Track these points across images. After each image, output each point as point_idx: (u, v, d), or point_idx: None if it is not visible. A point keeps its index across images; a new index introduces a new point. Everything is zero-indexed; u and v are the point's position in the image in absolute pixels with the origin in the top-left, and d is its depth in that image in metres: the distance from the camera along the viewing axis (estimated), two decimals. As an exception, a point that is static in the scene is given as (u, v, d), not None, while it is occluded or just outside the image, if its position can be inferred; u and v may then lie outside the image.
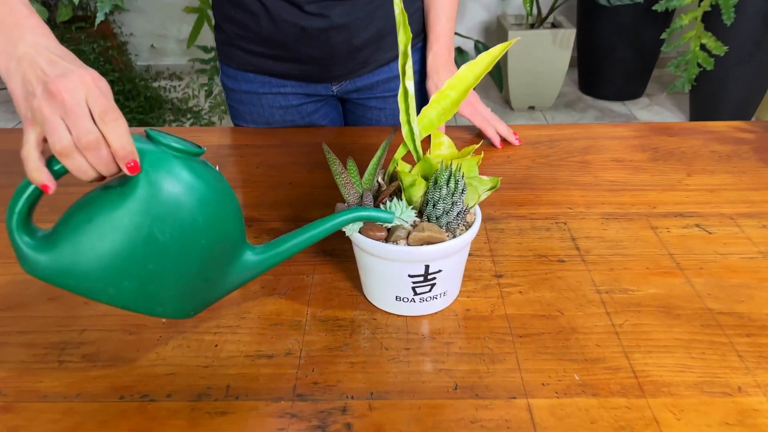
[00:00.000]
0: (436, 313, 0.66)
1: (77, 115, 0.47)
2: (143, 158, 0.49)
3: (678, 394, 0.56)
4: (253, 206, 0.86)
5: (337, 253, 0.76)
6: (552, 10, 2.89)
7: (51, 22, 2.75)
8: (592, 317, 0.65)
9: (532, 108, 3.08)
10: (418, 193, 0.63)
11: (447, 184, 0.60)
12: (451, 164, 0.61)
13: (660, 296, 0.68)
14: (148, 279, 0.51)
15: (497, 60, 0.64)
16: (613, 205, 0.84)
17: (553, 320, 0.65)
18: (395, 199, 0.62)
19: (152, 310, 0.54)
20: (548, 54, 2.89)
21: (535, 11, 2.99)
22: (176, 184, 0.50)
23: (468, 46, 3.09)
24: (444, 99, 0.65)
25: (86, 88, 0.48)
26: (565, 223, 0.80)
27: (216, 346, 0.62)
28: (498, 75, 2.68)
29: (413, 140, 0.64)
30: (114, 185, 0.51)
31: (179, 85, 3.09)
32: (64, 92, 0.47)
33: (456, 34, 2.78)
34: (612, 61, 3.01)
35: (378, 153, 0.66)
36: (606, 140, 1.01)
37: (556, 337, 0.63)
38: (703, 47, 2.35)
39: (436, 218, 0.61)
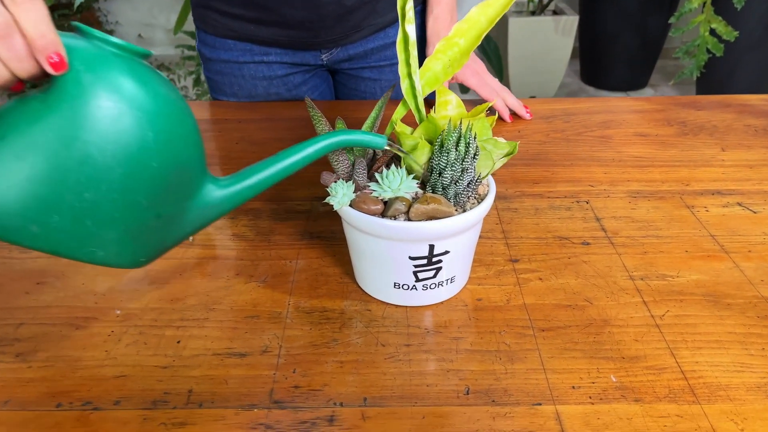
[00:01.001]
0: (442, 302, 0.56)
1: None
2: (73, 55, 0.38)
3: (738, 399, 0.46)
4: (230, 184, 0.75)
5: (326, 234, 0.65)
6: (553, -4, 2.79)
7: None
8: (626, 307, 0.55)
9: (532, 98, 2.98)
10: (420, 158, 0.52)
11: (456, 148, 0.50)
12: (460, 124, 0.50)
13: (705, 283, 0.57)
14: (84, 212, 0.40)
15: (512, 1, 0.54)
16: (640, 183, 0.73)
17: (580, 311, 0.55)
18: (393, 167, 0.51)
19: (91, 254, 0.42)
20: (550, 42, 2.79)
21: (536, -2, 2.89)
22: (119, 88, 0.38)
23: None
24: (451, 48, 0.54)
25: None
26: (588, 202, 0.70)
27: (178, 342, 0.52)
28: (497, 64, 2.58)
29: (415, 97, 0.53)
30: (37, 91, 0.39)
31: (167, 75, 2.98)
32: None
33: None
34: (615, 50, 2.91)
35: (373, 112, 0.56)
36: (626, 114, 0.91)
37: (585, 331, 0.52)
38: (712, 32, 2.25)
39: (443, 189, 0.51)
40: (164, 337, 0.52)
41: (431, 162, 0.51)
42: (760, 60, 2.50)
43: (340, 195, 0.50)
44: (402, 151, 0.51)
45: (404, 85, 0.53)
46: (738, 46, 2.35)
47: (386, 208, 0.51)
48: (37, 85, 0.39)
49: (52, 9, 2.72)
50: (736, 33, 2.13)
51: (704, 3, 2.18)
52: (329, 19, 0.87)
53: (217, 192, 0.47)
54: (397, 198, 0.50)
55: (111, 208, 0.40)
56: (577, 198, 0.71)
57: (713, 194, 0.71)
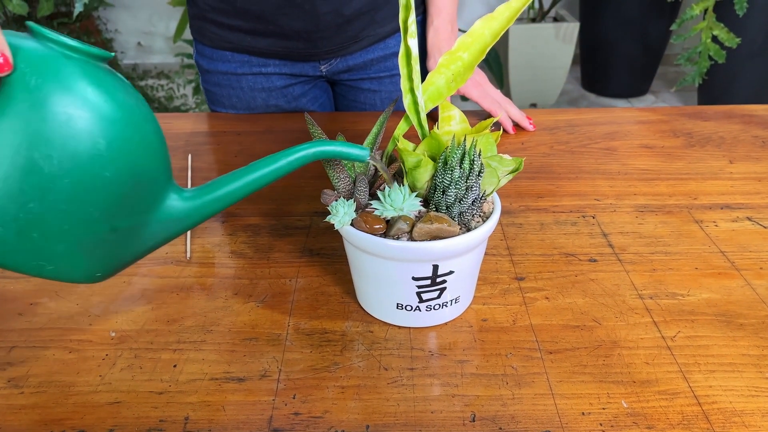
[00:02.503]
0: (446, 323, 0.54)
1: None
2: (19, 56, 0.36)
3: (754, 425, 0.44)
4: (229, 199, 0.74)
5: (326, 251, 0.64)
6: (554, 3, 2.78)
7: (32, 17, 2.62)
8: (636, 328, 0.53)
9: (533, 105, 2.97)
10: (423, 176, 0.51)
11: (460, 165, 0.48)
12: (464, 140, 0.49)
13: (716, 302, 0.56)
14: (30, 225, 0.37)
15: (517, 15, 0.53)
16: (647, 196, 0.72)
17: (589, 332, 0.53)
18: (396, 185, 0.50)
19: (40, 268, 0.40)
20: (550, 49, 2.78)
21: (536, 5, 2.88)
22: (68, 91, 0.36)
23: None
24: (454, 62, 0.53)
25: None
26: (594, 217, 0.68)
27: (175, 366, 0.50)
28: (498, 71, 2.57)
29: (417, 112, 0.52)
30: None
31: (167, 84, 2.97)
32: None
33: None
34: (616, 56, 2.90)
35: (375, 128, 0.54)
36: (632, 125, 0.90)
37: (594, 353, 0.51)
38: (714, 39, 2.24)
39: (447, 207, 0.50)
40: (160, 360, 0.51)
41: (434, 180, 0.50)
42: (762, 66, 2.49)
43: (341, 214, 0.49)
44: (384, 169, 0.50)
45: (406, 100, 0.52)
46: (740, 52, 2.34)
47: (389, 228, 0.49)
48: None
49: (52, 17, 2.71)
50: (738, 40, 2.12)
51: (706, 10, 2.18)
52: (327, 30, 0.86)
53: (181, 204, 0.44)
54: (400, 217, 0.49)
55: (59, 220, 0.38)
56: (583, 213, 0.69)
57: (722, 208, 0.69)
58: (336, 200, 0.50)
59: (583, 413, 0.45)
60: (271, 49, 0.89)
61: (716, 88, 2.61)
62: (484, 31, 0.52)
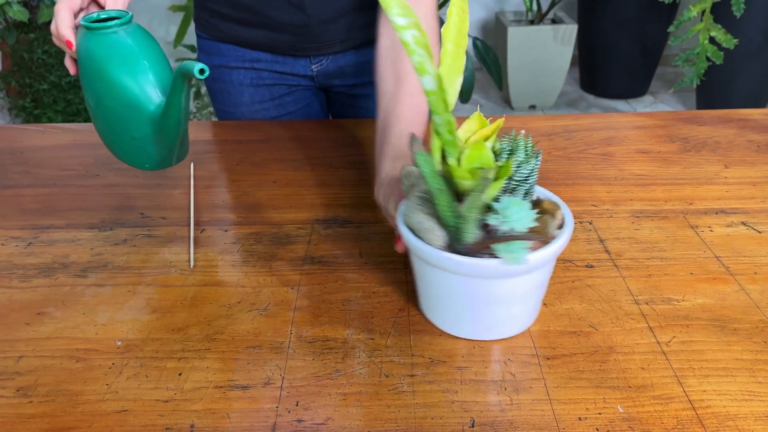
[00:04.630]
0: (445, 331, 0.55)
1: (54, 12, 0.62)
2: (77, 39, 0.60)
3: (747, 429, 0.45)
4: (231, 208, 0.75)
5: (327, 259, 0.65)
6: (552, 5, 2.79)
7: (32, 24, 2.64)
8: (632, 333, 0.54)
9: (532, 107, 2.98)
10: (495, 190, 0.50)
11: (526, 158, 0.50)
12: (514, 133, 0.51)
13: (711, 307, 0.57)
14: (103, 134, 0.63)
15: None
16: (643, 202, 0.73)
17: (585, 337, 0.54)
18: (509, 198, 0.48)
19: (125, 159, 0.64)
20: (549, 51, 2.79)
21: (534, 7, 2.89)
22: (83, 56, 0.59)
23: (468, 43, 2.99)
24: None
25: None
26: (591, 223, 0.69)
27: (180, 374, 0.51)
28: (497, 73, 2.58)
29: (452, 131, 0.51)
30: None
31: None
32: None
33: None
34: (615, 58, 2.91)
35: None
36: (628, 130, 0.91)
37: (591, 359, 0.52)
38: (712, 40, 2.25)
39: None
40: (165, 369, 0.52)
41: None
42: (759, 67, 2.50)
43: (516, 218, 0.47)
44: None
45: (440, 120, 0.51)
46: (737, 54, 2.35)
47: (484, 242, 0.48)
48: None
49: (50, 24, 2.73)
50: (735, 41, 2.13)
51: (703, 11, 2.19)
52: (315, 26, 0.87)
53: (156, 107, 0.58)
54: (518, 234, 0.47)
55: (109, 132, 0.62)
56: (580, 218, 0.70)
57: (717, 213, 0.70)
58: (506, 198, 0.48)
59: (580, 418, 0.47)
60: (259, 42, 0.91)
61: (714, 89, 2.62)
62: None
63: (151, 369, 0.52)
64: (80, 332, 0.56)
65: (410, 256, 0.55)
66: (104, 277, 0.63)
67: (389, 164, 0.65)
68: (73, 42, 0.60)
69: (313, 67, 0.95)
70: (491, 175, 0.46)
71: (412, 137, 0.49)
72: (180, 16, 3.00)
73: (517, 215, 0.47)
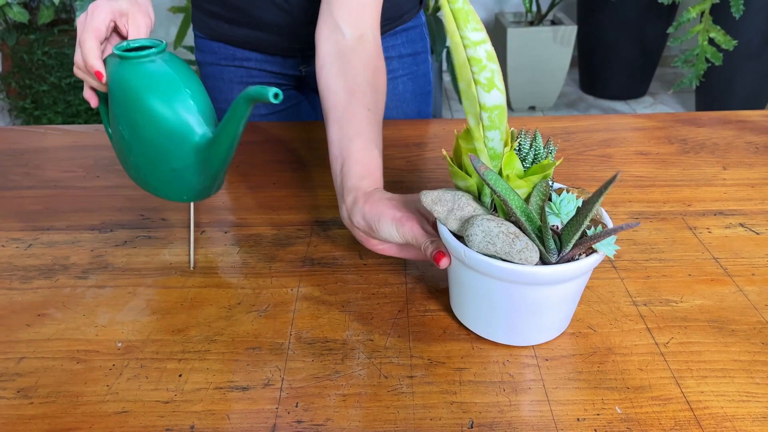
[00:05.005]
0: (444, 332, 0.56)
1: (77, 42, 0.62)
2: (106, 69, 0.60)
3: (744, 430, 0.45)
4: (231, 209, 0.75)
5: (326, 260, 0.65)
6: (552, 6, 2.80)
7: (32, 25, 2.64)
8: (630, 334, 0.54)
9: (532, 108, 2.98)
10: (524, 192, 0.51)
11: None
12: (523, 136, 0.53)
13: (709, 308, 0.57)
14: (135, 167, 0.61)
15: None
16: (642, 203, 0.73)
17: (584, 339, 0.54)
18: (563, 193, 0.51)
19: (155, 192, 0.63)
20: (549, 52, 2.79)
21: (534, 8, 2.90)
22: (119, 86, 0.58)
23: (465, 45, 3.00)
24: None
25: (85, 20, 0.62)
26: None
27: (180, 376, 0.51)
28: (497, 74, 2.58)
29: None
30: None
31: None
32: (78, 24, 0.63)
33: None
34: (614, 59, 2.92)
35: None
36: (627, 132, 0.91)
37: (589, 360, 0.52)
38: (711, 41, 2.26)
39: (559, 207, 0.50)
40: (166, 370, 0.52)
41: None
42: (758, 69, 2.50)
43: (565, 211, 0.49)
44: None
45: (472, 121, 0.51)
46: (737, 55, 2.36)
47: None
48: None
49: (52, 24, 2.73)
50: (734, 42, 2.14)
51: (703, 12, 2.19)
52: (298, 25, 0.88)
53: (203, 140, 0.57)
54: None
55: (143, 164, 0.60)
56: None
57: (715, 215, 0.71)
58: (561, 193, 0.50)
59: (578, 419, 0.47)
60: (247, 40, 0.92)
61: (713, 89, 2.62)
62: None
63: (151, 370, 0.52)
64: (81, 333, 0.56)
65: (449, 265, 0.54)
66: (104, 279, 0.63)
67: (357, 182, 0.61)
68: (104, 73, 0.59)
69: (302, 68, 0.96)
70: (546, 180, 0.50)
71: (473, 158, 0.47)
72: (180, 17, 3.00)
73: (566, 209, 0.49)
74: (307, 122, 0.98)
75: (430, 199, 0.52)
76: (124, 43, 0.60)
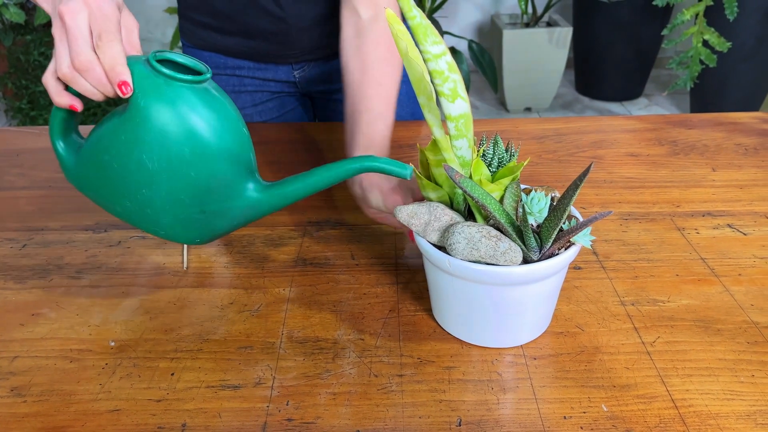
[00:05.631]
0: (434, 332, 0.56)
1: (74, 36, 0.48)
2: (135, 81, 0.49)
3: (728, 428, 0.46)
4: (225, 210, 0.76)
5: (319, 261, 0.66)
6: (547, 8, 2.81)
7: (29, 25, 2.64)
8: (617, 334, 0.55)
9: (528, 109, 2.99)
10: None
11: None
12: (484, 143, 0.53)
13: (695, 308, 0.58)
14: (144, 203, 0.52)
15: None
16: (632, 204, 0.74)
17: (572, 338, 0.55)
18: (535, 192, 0.52)
19: (155, 231, 0.55)
20: (544, 53, 2.80)
21: (530, 10, 2.91)
22: (164, 111, 0.49)
23: (462, 46, 3.00)
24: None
25: (88, 9, 0.49)
26: (579, 225, 0.70)
27: (172, 374, 0.52)
28: (492, 76, 2.59)
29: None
30: (123, 107, 0.52)
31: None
32: (66, 15, 0.48)
33: (449, 34, 2.70)
34: (609, 60, 2.93)
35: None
36: (618, 133, 0.92)
37: (576, 359, 0.53)
38: (705, 43, 2.27)
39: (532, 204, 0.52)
40: (158, 369, 0.53)
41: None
42: (753, 70, 2.51)
43: (537, 209, 0.50)
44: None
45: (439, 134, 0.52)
46: (731, 57, 2.37)
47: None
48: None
49: (48, 25, 2.73)
50: (728, 44, 2.15)
51: (697, 14, 2.20)
52: (292, 33, 0.88)
53: (258, 195, 0.55)
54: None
55: (161, 202, 0.52)
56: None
57: (704, 216, 0.71)
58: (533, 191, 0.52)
59: (564, 417, 0.47)
60: (239, 49, 0.91)
61: (708, 91, 2.64)
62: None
63: (143, 369, 0.53)
64: (74, 333, 0.57)
65: (427, 269, 0.55)
66: (98, 279, 0.64)
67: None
68: (131, 84, 0.49)
69: (296, 73, 0.95)
70: (516, 182, 0.52)
71: (448, 168, 0.48)
72: (176, 18, 3.00)
73: (537, 206, 0.51)
74: (302, 123, 0.99)
75: (405, 214, 0.52)
76: (151, 55, 0.50)
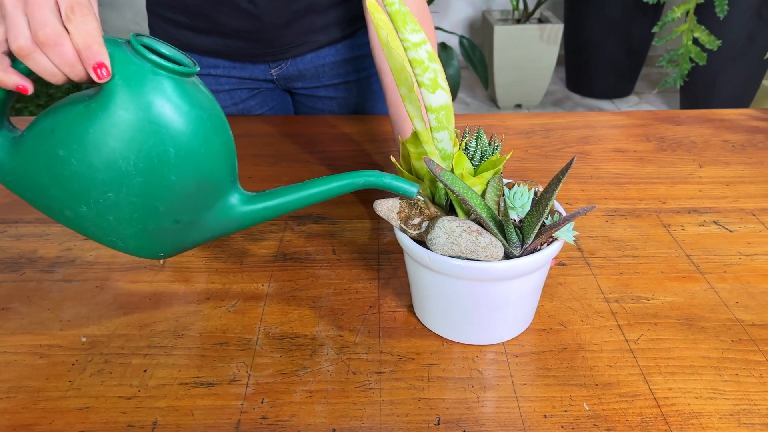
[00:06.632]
0: (415, 328, 0.55)
1: (37, 4, 0.40)
2: (114, 65, 0.41)
3: (711, 427, 0.45)
4: (205, 203, 0.74)
5: (299, 255, 0.64)
6: (539, 4, 2.80)
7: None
8: (601, 331, 0.54)
9: (518, 106, 2.99)
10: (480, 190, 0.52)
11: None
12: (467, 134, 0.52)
13: (680, 305, 0.57)
14: (107, 209, 0.44)
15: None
16: (618, 200, 0.73)
17: (554, 335, 0.54)
18: (518, 186, 0.51)
19: (113, 243, 0.47)
20: (535, 50, 2.80)
21: (521, 6, 2.90)
22: (147, 105, 0.42)
23: (453, 42, 2.99)
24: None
25: None
26: (565, 221, 0.69)
27: (145, 371, 0.51)
28: (483, 72, 2.58)
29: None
30: (88, 93, 0.43)
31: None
32: None
33: (440, 29, 2.69)
34: (600, 57, 2.93)
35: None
36: (606, 129, 0.91)
37: (559, 357, 0.52)
38: (695, 41, 2.27)
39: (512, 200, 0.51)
40: (130, 365, 0.51)
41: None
42: (742, 69, 2.52)
43: (520, 203, 0.49)
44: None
45: (419, 126, 0.50)
46: (721, 55, 2.37)
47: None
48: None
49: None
50: (718, 42, 2.15)
51: (687, 12, 2.20)
52: (267, 31, 0.86)
53: (239, 207, 0.49)
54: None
55: (130, 209, 0.44)
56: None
57: (690, 212, 0.71)
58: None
59: (545, 416, 0.46)
60: (214, 48, 0.89)
61: (698, 89, 2.64)
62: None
63: (115, 365, 0.51)
64: (44, 328, 0.55)
65: (407, 264, 0.54)
66: (72, 273, 0.62)
67: None
68: (109, 67, 0.41)
69: (273, 71, 0.93)
70: (498, 176, 0.50)
71: (428, 160, 0.47)
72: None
73: (520, 201, 0.50)
74: (286, 116, 0.97)
75: (385, 207, 0.50)
76: (132, 38, 0.43)
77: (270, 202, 0.49)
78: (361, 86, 0.96)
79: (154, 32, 0.92)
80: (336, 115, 0.98)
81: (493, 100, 3.03)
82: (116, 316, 0.56)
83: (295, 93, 0.99)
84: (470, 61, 2.55)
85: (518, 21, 2.86)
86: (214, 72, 0.92)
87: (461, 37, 2.51)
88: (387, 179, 0.47)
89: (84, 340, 0.54)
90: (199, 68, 0.45)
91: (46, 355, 0.52)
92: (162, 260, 0.63)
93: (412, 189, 0.47)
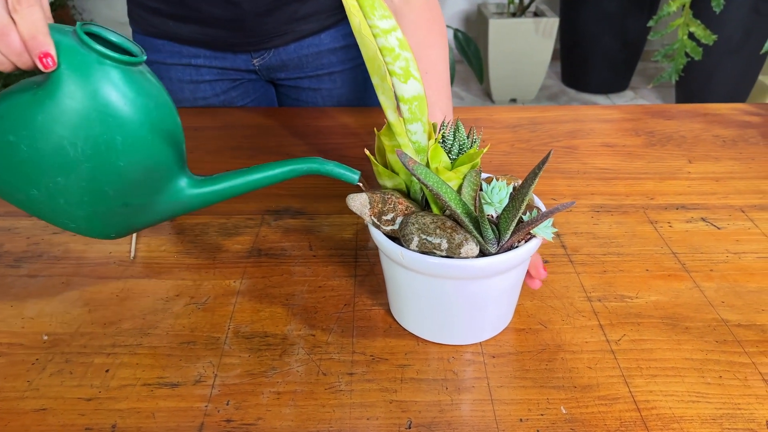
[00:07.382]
0: (390, 327, 0.53)
1: None
2: (62, 56, 0.42)
3: (692, 432, 0.44)
4: (180, 197, 0.72)
5: (275, 251, 0.62)
6: (534, -2, 2.77)
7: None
8: (582, 331, 0.52)
9: (513, 101, 2.96)
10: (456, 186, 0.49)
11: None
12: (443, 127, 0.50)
13: (664, 304, 0.55)
14: (57, 192, 0.46)
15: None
16: (604, 196, 0.71)
17: (534, 335, 0.52)
18: (496, 181, 0.48)
19: (65, 224, 0.48)
20: (530, 44, 2.77)
21: None
22: (93, 94, 0.43)
23: (447, 35, 2.97)
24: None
25: None
26: (549, 217, 0.68)
27: (107, 371, 0.49)
28: (478, 66, 2.56)
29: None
30: (36, 81, 0.44)
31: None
32: None
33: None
34: (596, 52, 2.90)
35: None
36: (595, 123, 0.89)
37: (537, 358, 0.50)
38: (691, 36, 2.25)
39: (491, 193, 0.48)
40: (92, 365, 0.49)
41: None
42: (738, 64, 2.50)
43: (497, 198, 0.47)
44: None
45: (392, 118, 0.49)
46: (717, 49, 2.35)
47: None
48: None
49: (24, 7, 2.65)
50: (714, 36, 2.13)
51: (683, 6, 2.18)
52: (248, 19, 0.83)
53: (188, 190, 0.50)
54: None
55: (79, 192, 0.46)
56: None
57: (677, 209, 0.69)
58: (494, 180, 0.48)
59: (521, 419, 0.45)
60: (194, 37, 0.87)
61: (693, 84, 2.62)
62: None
63: (76, 365, 0.49)
64: (5, 325, 0.53)
65: (382, 262, 0.52)
66: (38, 268, 0.60)
67: None
68: (55, 57, 0.42)
69: (255, 61, 0.91)
70: (476, 170, 0.48)
71: (400, 153, 0.45)
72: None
73: (497, 196, 0.47)
74: (267, 108, 0.95)
75: (358, 202, 0.48)
76: (78, 27, 0.44)
77: (217, 185, 0.50)
78: (346, 77, 0.94)
79: (133, 20, 0.89)
80: (319, 107, 0.96)
81: (487, 95, 3.01)
82: (80, 314, 0.54)
83: (279, 84, 0.97)
84: (465, 55, 2.52)
85: (514, 14, 2.84)
86: (194, 62, 0.89)
87: (456, 31, 2.48)
88: (329, 166, 0.49)
89: (45, 338, 0.52)
90: (146, 57, 0.46)
91: (5, 353, 0.50)
92: (132, 255, 0.61)
93: (353, 176, 0.49)
